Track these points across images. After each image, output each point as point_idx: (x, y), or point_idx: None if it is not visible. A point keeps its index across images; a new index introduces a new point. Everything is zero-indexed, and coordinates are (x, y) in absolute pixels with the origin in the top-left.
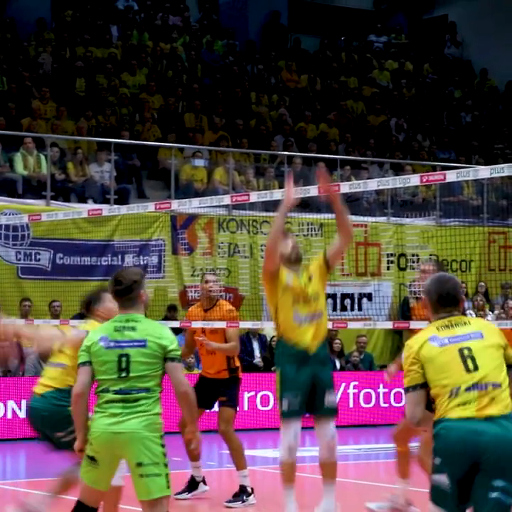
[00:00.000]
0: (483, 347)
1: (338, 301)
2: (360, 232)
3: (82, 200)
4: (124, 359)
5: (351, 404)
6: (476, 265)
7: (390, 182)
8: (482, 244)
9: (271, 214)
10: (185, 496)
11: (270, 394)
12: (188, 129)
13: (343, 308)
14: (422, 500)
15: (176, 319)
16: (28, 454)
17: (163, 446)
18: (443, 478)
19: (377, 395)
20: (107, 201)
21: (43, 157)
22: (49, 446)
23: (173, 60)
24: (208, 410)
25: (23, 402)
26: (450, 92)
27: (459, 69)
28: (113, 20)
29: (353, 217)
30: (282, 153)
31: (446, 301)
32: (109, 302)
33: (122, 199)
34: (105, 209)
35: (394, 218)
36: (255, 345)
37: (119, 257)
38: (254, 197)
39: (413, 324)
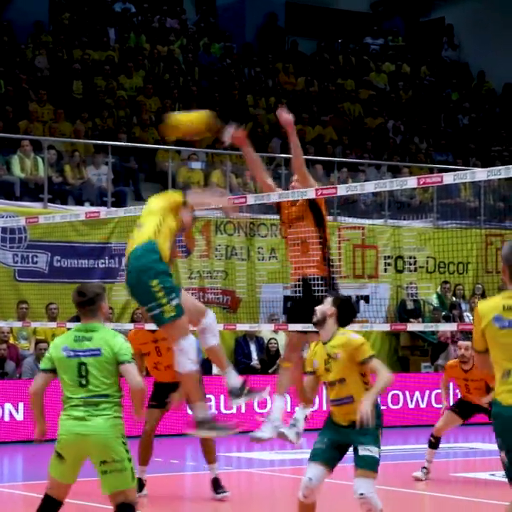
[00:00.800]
0: None
1: None
2: (357, 235)
3: (80, 202)
4: (83, 367)
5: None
6: (473, 267)
7: (387, 184)
8: (479, 247)
9: (268, 216)
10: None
11: (267, 397)
12: None
13: None
14: None
15: None
16: (25, 456)
17: (125, 443)
18: (502, 456)
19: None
20: (104, 204)
21: (40, 160)
22: None
23: (170, 62)
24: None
25: (21, 405)
26: (447, 94)
27: (456, 71)
28: (110, 23)
29: (350, 220)
30: (279, 155)
31: None
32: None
33: (119, 201)
34: (102, 212)
35: (391, 220)
36: (252, 347)
37: (117, 259)
38: (251, 199)
39: (410, 326)
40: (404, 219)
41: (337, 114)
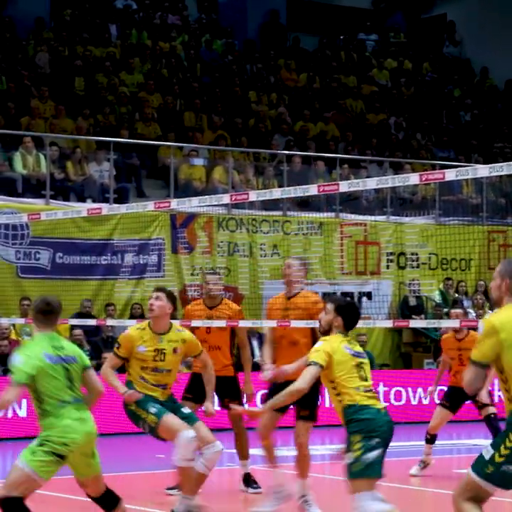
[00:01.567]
0: None
1: None
2: (359, 231)
3: (82, 199)
4: (68, 372)
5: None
6: (475, 264)
7: (390, 181)
8: (482, 243)
9: (271, 213)
10: (175, 491)
11: None
12: (188, 128)
13: None
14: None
15: (175, 318)
16: None
17: None
18: None
19: (377, 393)
20: (106, 200)
21: (42, 156)
22: None
23: (172, 59)
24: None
25: (24, 402)
26: (449, 90)
27: (458, 68)
28: (112, 19)
29: (353, 216)
30: (282, 152)
31: None
32: None
33: (121, 198)
34: (104, 208)
35: (393, 217)
36: (255, 344)
37: (119, 256)
38: (253, 196)
39: (413, 323)
40: (407, 215)
41: (339, 110)
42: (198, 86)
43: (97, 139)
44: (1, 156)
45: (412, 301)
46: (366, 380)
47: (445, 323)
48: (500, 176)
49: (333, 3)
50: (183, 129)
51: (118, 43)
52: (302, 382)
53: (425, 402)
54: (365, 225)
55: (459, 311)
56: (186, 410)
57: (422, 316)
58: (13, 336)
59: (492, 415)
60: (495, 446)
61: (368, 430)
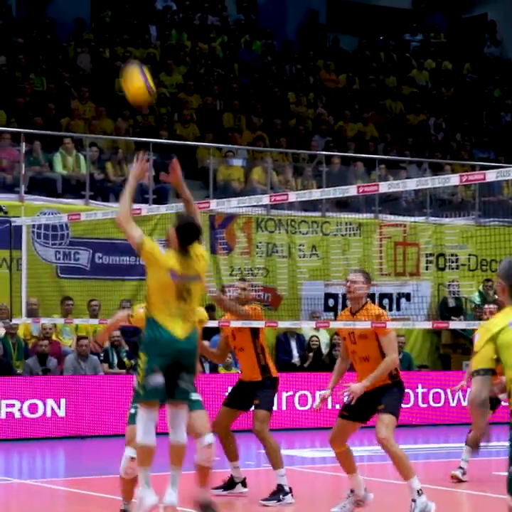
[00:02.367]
0: None
1: (377, 300)
2: (398, 232)
3: None
4: None
5: None
6: None
7: (429, 181)
8: None
9: (309, 214)
10: (220, 491)
11: (308, 393)
12: (227, 129)
13: (382, 308)
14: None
15: (214, 319)
16: (67, 452)
17: None
18: None
19: (416, 395)
20: (145, 201)
21: (81, 157)
22: None
23: (211, 59)
24: (244, 411)
25: (63, 401)
26: (489, 91)
27: (499, 68)
28: (152, 21)
29: (392, 217)
30: (320, 153)
31: None
32: None
33: (161, 198)
34: (144, 208)
35: (433, 218)
36: (293, 344)
37: None
38: (292, 197)
39: (452, 324)
40: (446, 216)
41: (378, 111)
42: (237, 87)
43: (136, 139)
44: (41, 156)
45: (451, 303)
46: None
47: None
48: None
49: (373, 3)
50: (222, 129)
51: (158, 44)
52: None
53: (464, 403)
54: (405, 226)
55: (492, 306)
56: (195, 397)
57: (461, 317)
58: (54, 337)
59: None
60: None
61: None
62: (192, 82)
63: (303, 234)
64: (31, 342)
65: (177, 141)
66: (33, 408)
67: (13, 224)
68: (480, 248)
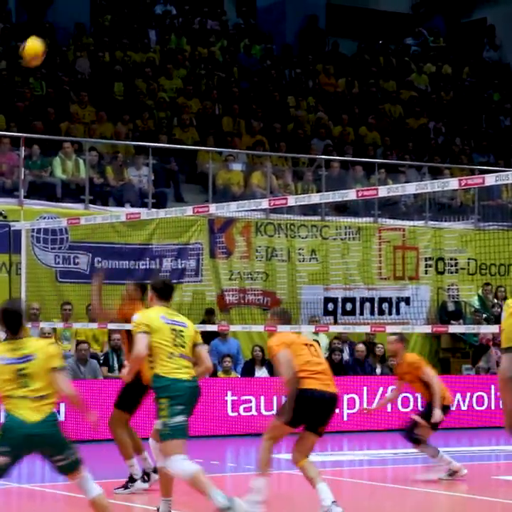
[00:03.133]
0: None
1: (376, 305)
2: (397, 236)
3: (120, 204)
4: None
5: (389, 409)
6: None
7: (429, 186)
8: None
9: (309, 218)
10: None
11: None
12: (226, 133)
13: (381, 312)
14: None
15: (213, 323)
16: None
17: None
18: None
19: (416, 399)
20: (144, 205)
21: (81, 161)
22: None
23: (210, 64)
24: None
25: (62, 406)
26: (489, 95)
27: (498, 72)
28: (151, 25)
29: (391, 221)
30: (320, 156)
31: None
32: None
33: (160, 203)
34: (143, 213)
35: (432, 222)
36: None
37: (157, 260)
38: (292, 201)
39: (452, 328)
40: (445, 220)
41: (378, 115)
42: (237, 91)
43: (136, 144)
44: (40, 161)
45: (451, 307)
46: None
47: (484, 329)
48: None
49: (372, 7)
50: (222, 134)
51: (157, 49)
52: None
53: (463, 407)
54: (404, 230)
55: None
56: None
57: (461, 321)
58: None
59: None
60: None
61: None
62: (191, 87)
63: (302, 238)
64: None
65: (176, 146)
66: None
67: (12, 228)
68: (479, 252)
